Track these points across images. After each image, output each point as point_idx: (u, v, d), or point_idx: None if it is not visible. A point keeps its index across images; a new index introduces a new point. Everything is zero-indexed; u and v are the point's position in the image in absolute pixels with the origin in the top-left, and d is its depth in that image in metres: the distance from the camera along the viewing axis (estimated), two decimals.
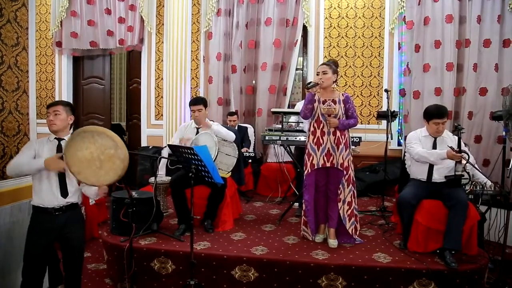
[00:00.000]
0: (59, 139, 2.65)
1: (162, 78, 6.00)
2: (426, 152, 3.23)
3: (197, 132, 3.81)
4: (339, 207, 3.23)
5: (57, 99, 6.35)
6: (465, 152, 3.21)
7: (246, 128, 5.36)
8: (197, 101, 3.80)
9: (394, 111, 4.36)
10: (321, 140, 3.20)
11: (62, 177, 2.58)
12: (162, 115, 6.02)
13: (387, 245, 3.31)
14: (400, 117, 5.63)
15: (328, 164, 3.19)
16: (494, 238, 3.57)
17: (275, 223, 3.92)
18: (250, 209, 4.53)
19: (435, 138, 3.35)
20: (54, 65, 6.31)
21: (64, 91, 6.33)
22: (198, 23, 5.90)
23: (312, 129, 3.25)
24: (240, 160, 4.39)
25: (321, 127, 3.20)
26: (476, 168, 3.43)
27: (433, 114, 3.25)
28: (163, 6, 5.91)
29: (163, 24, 5.95)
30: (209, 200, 3.67)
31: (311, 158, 3.23)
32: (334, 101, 3.20)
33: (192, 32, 5.91)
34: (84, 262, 3.71)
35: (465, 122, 5.24)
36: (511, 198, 3.28)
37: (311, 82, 3.22)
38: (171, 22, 5.66)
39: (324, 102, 3.21)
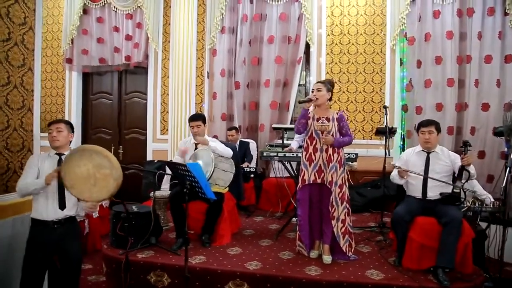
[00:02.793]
0: (60, 154, 2.77)
1: (167, 94, 6.14)
2: (392, 175, 3.41)
3: (196, 148, 3.89)
4: (333, 225, 3.25)
5: (67, 114, 6.57)
6: (466, 170, 3.22)
7: (248, 143, 5.43)
8: (196, 117, 3.90)
9: (392, 127, 4.38)
10: (313, 157, 3.25)
11: (61, 191, 2.69)
12: (167, 130, 6.15)
13: (381, 261, 3.31)
14: (403, 133, 5.64)
15: (319, 181, 3.24)
16: (494, 255, 3.54)
17: (272, 238, 3.95)
18: (249, 223, 4.57)
19: (428, 154, 3.37)
20: (65, 81, 6.55)
21: (74, 106, 6.53)
22: (203, 41, 6.05)
23: (305, 145, 3.31)
24: (240, 175, 4.47)
25: (313, 143, 3.26)
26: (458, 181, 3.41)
27: (420, 124, 3.36)
28: (169, 24, 6.09)
29: (169, 42, 6.11)
30: (207, 214, 3.73)
31: (302, 174, 3.29)
32: (328, 119, 3.26)
33: (197, 49, 6.06)
34: (85, 273, 3.86)
35: (468, 138, 5.20)
36: (507, 215, 3.27)
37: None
38: (177, 40, 5.85)
39: (318, 120, 3.27)
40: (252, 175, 5.24)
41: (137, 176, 5.84)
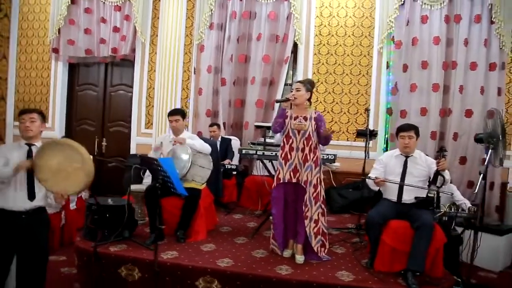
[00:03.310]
0: (30, 145, 2.72)
1: (153, 88, 6.10)
2: (369, 178, 3.34)
3: (174, 143, 3.87)
4: (305, 224, 3.25)
5: (51, 104, 6.49)
6: (441, 175, 3.24)
7: (230, 140, 5.42)
8: (175, 112, 3.89)
9: (373, 130, 4.39)
10: (289, 156, 3.24)
11: (30, 181, 2.65)
12: (152, 124, 6.11)
13: (354, 263, 3.32)
14: (387, 136, 5.66)
15: (294, 180, 3.23)
16: (468, 260, 3.57)
17: (248, 236, 3.94)
18: (228, 220, 4.56)
19: (406, 158, 3.38)
20: (50, 71, 6.46)
21: (58, 97, 6.45)
22: (191, 36, 6.02)
23: (281, 144, 3.31)
24: (219, 172, 4.46)
25: (290, 142, 3.25)
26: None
27: (400, 128, 3.35)
28: (158, 18, 6.04)
29: (157, 35, 6.07)
30: (182, 210, 3.71)
31: (278, 172, 3.28)
32: (305, 118, 3.25)
33: (185, 44, 6.02)
34: (59, 265, 3.83)
35: (450, 143, 5.25)
36: (478, 221, 3.31)
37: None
38: (165, 34, 5.81)
39: (295, 119, 3.26)
40: (234, 172, 5.23)
41: (119, 169, 5.80)
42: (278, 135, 4.26)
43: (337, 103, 5.68)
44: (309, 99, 3.33)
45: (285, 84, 5.82)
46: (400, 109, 5.41)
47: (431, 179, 3.29)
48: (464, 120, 5.24)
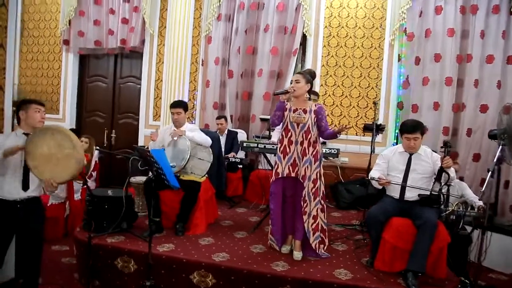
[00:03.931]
0: (27, 134, 2.73)
1: (161, 80, 6.08)
2: (372, 178, 3.17)
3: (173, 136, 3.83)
4: (304, 220, 3.16)
5: (62, 95, 6.57)
6: (446, 172, 3.10)
7: (236, 133, 5.36)
8: (177, 104, 3.85)
9: (381, 124, 4.25)
10: (287, 149, 3.16)
11: (26, 172, 2.66)
12: (159, 116, 6.11)
13: (354, 261, 3.22)
14: (397, 131, 5.48)
15: (293, 174, 3.15)
16: (475, 259, 3.44)
17: (249, 230, 3.88)
18: (230, 214, 4.51)
19: (410, 155, 3.24)
20: (61, 62, 6.54)
21: (69, 88, 6.53)
22: (199, 27, 5.96)
23: (280, 137, 3.22)
24: (222, 165, 4.41)
25: (288, 136, 3.16)
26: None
27: (405, 129, 3.16)
28: (167, 9, 6.00)
29: (165, 27, 6.04)
30: (181, 203, 3.68)
31: (276, 166, 3.20)
32: (305, 111, 3.15)
33: (193, 36, 5.96)
34: (60, 255, 3.87)
35: (464, 140, 5.06)
36: (486, 220, 3.16)
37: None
38: (173, 25, 5.74)
39: (295, 111, 3.17)
40: (240, 166, 5.17)
41: (125, 161, 5.81)
42: (276, 135, 4.17)
43: (346, 96, 5.54)
44: (309, 91, 3.21)
45: None
46: (411, 103, 5.23)
47: (435, 176, 3.15)
48: (478, 115, 5.03)
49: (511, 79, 4.92)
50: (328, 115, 5.53)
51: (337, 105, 5.56)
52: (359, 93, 5.50)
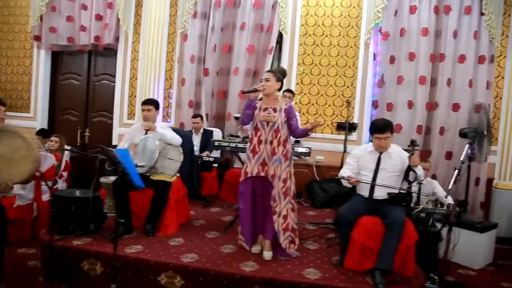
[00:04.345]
0: None
1: (136, 78, 5.98)
2: (342, 177, 3.18)
3: (146, 133, 3.76)
4: (274, 220, 3.13)
5: (33, 93, 6.39)
6: (413, 171, 3.12)
7: (212, 131, 5.30)
8: (148, 102, 3.80)
9: (353, 123, 4.26)
10: (257, 148, 3.12)
11: None
12: (134, 114, 6.00)
13: (324, 260, 3.21)
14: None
15: (262, 174, 3.12)
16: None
17: (220, 230, 3.84)
18: (203, 214, 4.45)
19: (380, 154, 3.25)
20: (32, 59, 6.36)
21: (41, 86, 6.35)
22: (175, 24, 5.87)
23: (250, 136, 3.19)
24: (194, 164, 4.35)
25: (258, 135, 3.13)
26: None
27: (375, 129, 3.16)
28: (142, 6, 5.90)
29: (140, 24, 5.93)
30: (151, 203, 3.62)
31: (245, 166, 3.16)
32: (275, 110, 3.13)
33: (168, 33, 5.88)
34: (27, 258, 3.75)
35: (437, 138, 5.13)
36: (453, 218, 3.20)
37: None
38: (149, 22, 5.68)
39: (265, 110, 3.14)
40: (215, 165, 5.12)
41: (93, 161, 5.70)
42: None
43: (322, 95, 5.54)
44: (279, 89, 3.19)
45: None
46: (386, 102, 5.27)
47: (403, 175, 3.17)
48: (451, 114, 5.11)
49: (482, 79, 5.01)
50: (303, 113, 5.55)
51: (312, 104, 5.55)
52: (335, 92, 5.51)
